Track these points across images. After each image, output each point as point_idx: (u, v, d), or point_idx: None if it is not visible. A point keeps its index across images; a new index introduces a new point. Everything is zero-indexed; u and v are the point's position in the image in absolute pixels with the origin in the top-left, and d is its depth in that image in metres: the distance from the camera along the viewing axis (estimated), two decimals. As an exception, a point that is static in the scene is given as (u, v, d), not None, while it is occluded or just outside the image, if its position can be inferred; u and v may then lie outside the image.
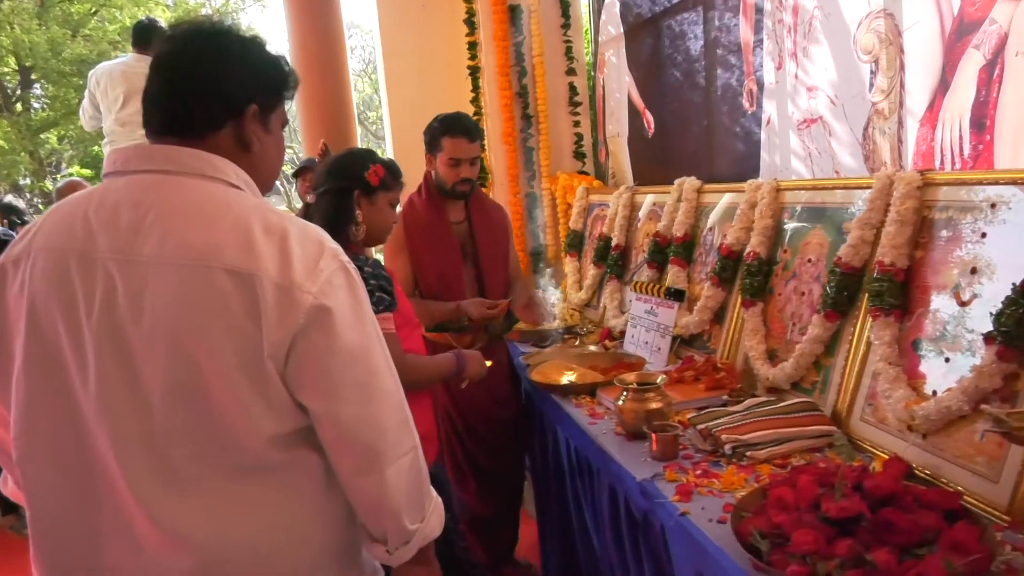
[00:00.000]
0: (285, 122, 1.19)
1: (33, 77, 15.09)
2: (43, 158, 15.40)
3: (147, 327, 0.99)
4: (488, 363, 2.09)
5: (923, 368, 1.52)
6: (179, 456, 1.01)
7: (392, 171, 1.94)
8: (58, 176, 14.59)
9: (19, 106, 15.25)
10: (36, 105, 15.71)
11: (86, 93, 4.37)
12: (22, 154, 14.89)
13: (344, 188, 1.87)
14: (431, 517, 1.20)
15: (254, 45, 1.12)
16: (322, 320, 1.02)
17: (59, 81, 14.53)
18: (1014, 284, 1.30)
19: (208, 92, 1.07)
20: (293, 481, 1.09)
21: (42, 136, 15.18)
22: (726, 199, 2.41)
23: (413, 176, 4.45)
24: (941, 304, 1.51)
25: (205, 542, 1.03)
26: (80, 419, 1.03)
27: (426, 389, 1.97)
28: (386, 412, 1.10)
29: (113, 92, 4.12)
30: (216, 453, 1.02)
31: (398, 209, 2.13)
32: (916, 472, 1.43)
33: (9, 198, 5.14)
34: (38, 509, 1.09)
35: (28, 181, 15.65)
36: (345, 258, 1.09)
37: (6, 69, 14.80)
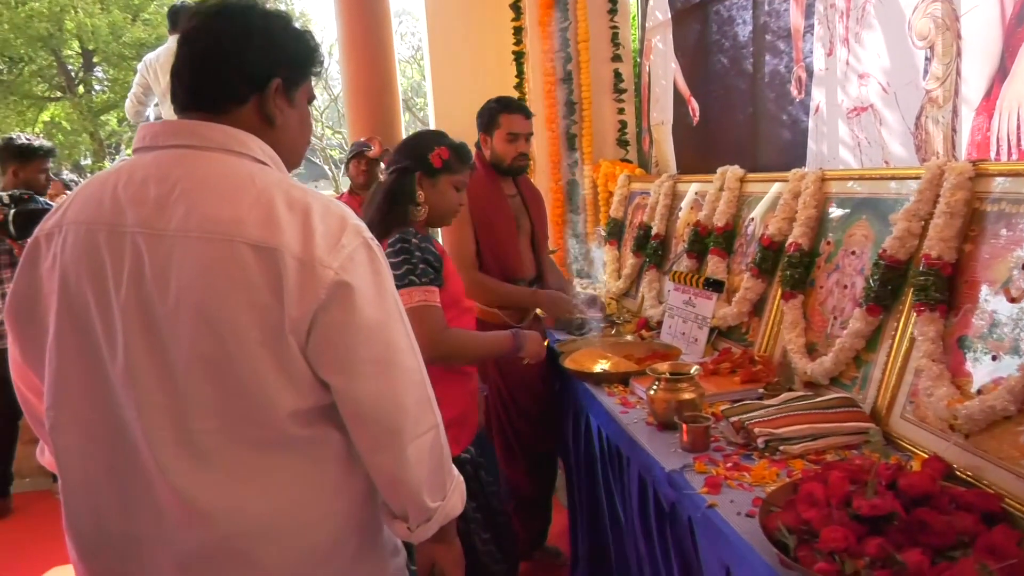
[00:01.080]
0: (312, 97, 1.19)
1: (95, 60, 15.57)
2: (103, 139, 15.90)
3: (172, 300, 1.00)
4: (546, 342, 2.09)
5: (968, 366, 1.46)
6: (202, 429, 1.03)
7: (459, 154, 1.93)
8: (116, 157, 15.05)
9: (81, 88, 15.76)
10: (97, 87, 16.21)
11: (136, 84, 4.46)
12: (83, 135, 15.42)
13: (407, 168, 1.89)
14: (452, 495, 1.20)
15: (278, 20, 1.11)
16: (343, 296, 1.02)
17: (119, 64, 14.98)
18: (1068, 280, 1.24)
19: (230, 67, 1.07)
20: (314, 458, 1.10)
21: (102, 118, 15.68)
22: (770, 191, 2.34)
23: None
24: (990, 300, 1.44)
25: (225, 515, 1.04)
26: (109, 390, 1.05)
27: (465, 372, 1.95)
28: (406, 389, 1.10)
29: (165, 79, 4.22)
30: (238, 427, 1.03)
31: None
32: (957, 473, 1.38)
33: (65, 174, 5.29)
34: (68, 478, 1.11)
35: (89, 161, 16.18)
36: (368, 235, 1.09)
37: (69, 52, 15.31)
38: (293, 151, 1.17)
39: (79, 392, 1.07)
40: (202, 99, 1.09)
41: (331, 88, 15.98)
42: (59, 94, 15.68)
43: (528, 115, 2.68)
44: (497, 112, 2.63)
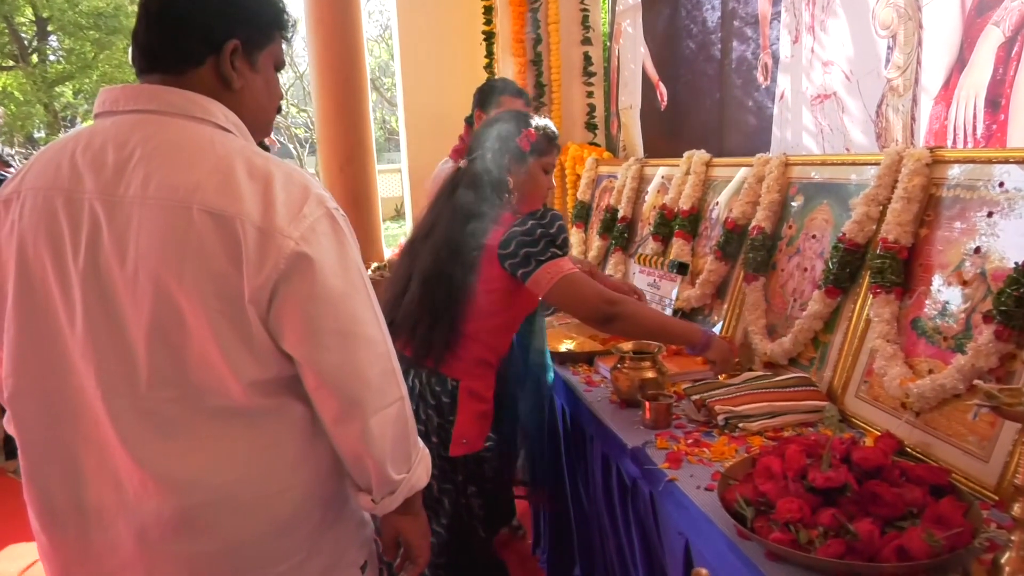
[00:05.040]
0: (280, 63, 1.16)
1: (49, 29, 15.04)
2: (58, 111, 15.41)
3: (130, 268, 0.98)
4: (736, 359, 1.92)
5: (921, 347, 1.51)
6: (162, 398, 1.01)
7: (546, 135, 1.85)
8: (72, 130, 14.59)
9: (35, 57, 15.23)
10: (52, 57, 15.68)
11: None
12: (37, 106, 14.91)
13: (493, 153, 1.80)
14: (417, 467, 1.20)
15: None
16: (304, 267, 1.01)
17: (75, 33, 14.49)
18: (1016, 264, 1.29)
19: (185, 26, 1.05)
20: (277, 428, 1.09)
21: (57, 89, 15.18)
22: (737, 176, 2.38)
23: (426, 140, 4.40)
24: (943, 283, 1.49)
25: (187, 485, 1.04)
26: (67, 359, 1.03)
27: (493, 368, 1.85)
28: (369, 361, 1.09)
29: None
30: (199, 396, 1.02)
31: None
32: (908, 450, 1.43)
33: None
34: (27, 446, 1.10)
35: (43, 134, 15.68)
36: (332, 204, 1.07)
37: (22, 20, 14.76)
38: (259, 118, 1.15)
39: (37, 360, 1.05)
40: (157, 60, 1.06)
41: (297, 65, 15.69)
42: (11, 63, 15.14)
43: (528, 103, 2.68)
44: (499, 92, 2.62)
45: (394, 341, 1.18)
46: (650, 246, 2.70)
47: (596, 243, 3.22)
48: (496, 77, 2.74)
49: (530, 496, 2.03)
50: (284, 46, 1.18)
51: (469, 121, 2.74)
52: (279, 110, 1.22)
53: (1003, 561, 1.01)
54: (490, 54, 4.06)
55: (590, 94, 3.96)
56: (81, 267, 1.00)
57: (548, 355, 1.97)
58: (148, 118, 1.04)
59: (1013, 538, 1.01)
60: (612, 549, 1.82)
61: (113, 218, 0.99)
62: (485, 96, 2.67)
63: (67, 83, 15.19)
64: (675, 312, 2.37)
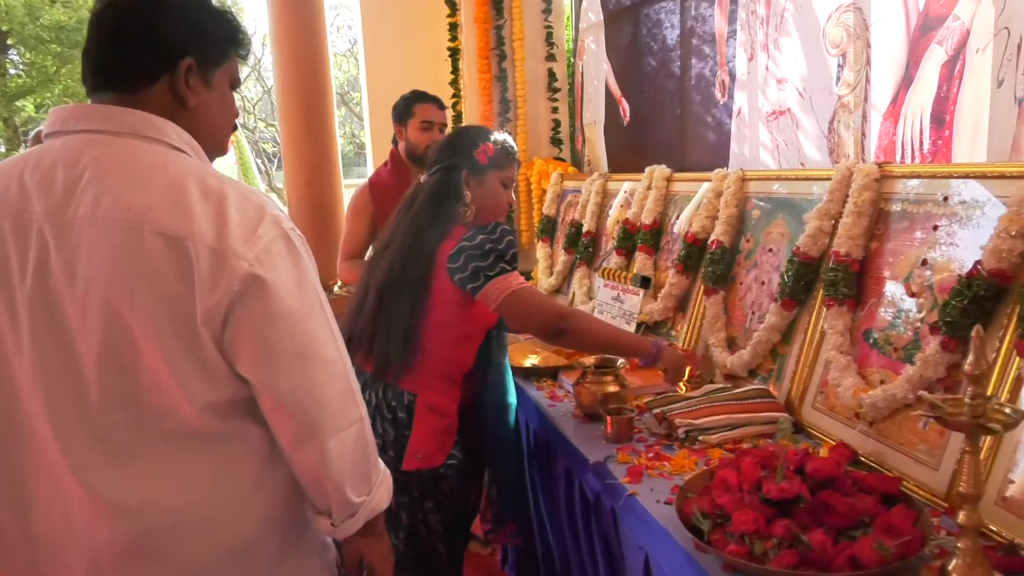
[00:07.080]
0: (236, 82, 1.15)
1: (9, 42, 14.76)
2: (18, 126, 15.10)
3: (80, 291, 0.97)
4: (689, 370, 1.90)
5: (873, 358, 1.54)
6: (114, 423, 1.00)
7: (505, 149, 1.85)
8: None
9: (-6, 72, 14.93)
10: (12, 71, 15.38)
11: None
12: (-4, 121, 14.61)
13: (452, 167, 1.81)
14: (378, 489, 1.19)
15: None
16: (258, 288, 1.00)
17: (36, 47, 14.23)
18: (960, 276, 1.33)
19: (138, 43, 1.04)
20: (233, 452, 1.07)
21: (17, 103, 14.89)
22: (700, 191, 2.41)
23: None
24: (893, 295, 1.53)
25: (140, 511, 1.02)
26: (14, 385, 1.01)
27: (456, 383, 1.81)
28: (327, 383, 1.08)
29: None
30: (152, 420, 1.01)
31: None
32: (861, 459, 1.46)
33: None
34: None
35: (3, 149, 15.36)
36: (288, 225, 1.07)
37: (-19, 34, 14.47)
38: (213, 137, 1.14)
39: None
40: (110, 78, 1.05)
41: (264, 80, 15.60)
42: (-31, 78, 14.83)
43: (441, 106, 2.79)
44: (411, 102, 2.73)
45: (353, 356, 1.17)
46: (614, 260, 2.73)
47: (561, 257, 3.24)
48: (410, 91, 2.80)
49: (493, 535, 1.98)
50: (240, 64, 1.17)
51: (394, 142, 2.83)
52: (235, 128, 1.21)
53: (950, 568, 1.04)
54: (456, 70, 4.08)
55: (555, 109, 3.99)
56: (28, 290, 0.98)
57: (511, 384, 1.90)
58: (99, 138, 1.02)
59: (960, 545, 1.04)
60: (575, 565, 1.82)
61: (62, 240, 0.97)
62: (399, 111, 2.76)
63: (28, 97, 14.90)
64: (638, 326, 2.39)
